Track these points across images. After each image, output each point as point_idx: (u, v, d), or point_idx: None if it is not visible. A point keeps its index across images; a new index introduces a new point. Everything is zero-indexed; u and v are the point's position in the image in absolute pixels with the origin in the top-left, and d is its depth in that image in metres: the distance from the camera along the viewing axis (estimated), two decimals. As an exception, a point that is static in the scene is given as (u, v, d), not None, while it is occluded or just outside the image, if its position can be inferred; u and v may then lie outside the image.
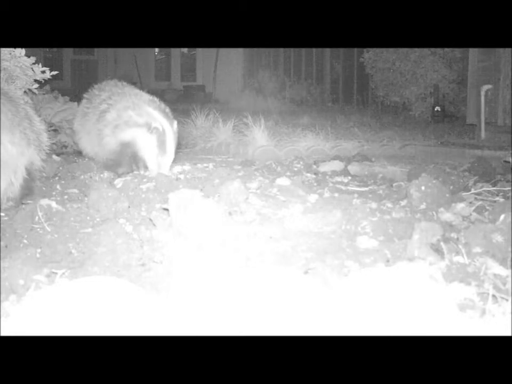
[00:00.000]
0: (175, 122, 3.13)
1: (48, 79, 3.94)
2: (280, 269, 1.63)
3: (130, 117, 2.97)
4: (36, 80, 3.91)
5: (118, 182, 2.76)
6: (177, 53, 19.45)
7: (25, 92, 3.89)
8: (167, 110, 3.19)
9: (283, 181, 2.99)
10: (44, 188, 2.69)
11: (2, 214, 2.21)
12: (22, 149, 2.27)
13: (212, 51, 17.52)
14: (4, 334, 1.15)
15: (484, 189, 2.76)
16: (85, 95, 3.48)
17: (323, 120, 7.61)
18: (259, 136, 4.99)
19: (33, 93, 4.03)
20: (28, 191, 2.38)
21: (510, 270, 1.56)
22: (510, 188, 2.77)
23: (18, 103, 2.40)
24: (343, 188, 3.09)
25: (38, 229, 1.97)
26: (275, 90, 12.78)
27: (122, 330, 1.16)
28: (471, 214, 2.23)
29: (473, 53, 6.37)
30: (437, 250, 1.75)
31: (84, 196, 2.49)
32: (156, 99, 3.20)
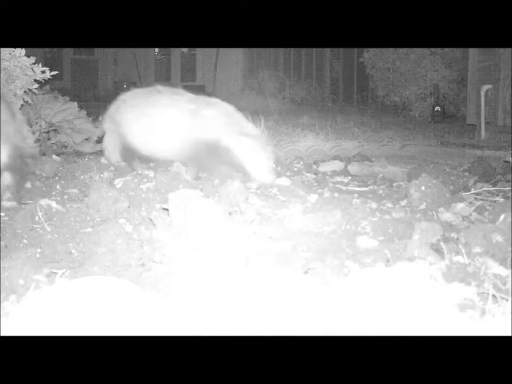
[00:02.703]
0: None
1: (48, 79, 3.93)
2: (280, 269, 1.63)
3: (241, 126, 2.92)
4: (36, 80, 3.90)
5: (118, 182, 2.76)
6: (177, 53, 19.45)
7: (25, 91, 3.89)
8: None
9: (283, 181, 2.99)
10: (43, 188, 2.69)
11: (2, 214, 2.21)
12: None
13: (211, 51, 17.51)
14: (4, 334, 1.15)
15: (484, 189, 2.76)
16: (124, 97, 3.42)
17: (323, 120, 7.61)
18: (259, 136, 4.97)
19: (33, 93, 4.02)
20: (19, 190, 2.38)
21: (510, 270, 1.56)
22: (510, 188, 2.77)
23: (14, 109, 2.41)
24: (343, 188, 3.09)
25: (38, 229, 1.97)
26: (275, 90, 12.77)
27: (122, 330, 1.16)
28: (471, 214, 2.23)
29: (473, 53, 6.38)
30: (437, 250, 1.75)
31: (84, 196, 2.49)
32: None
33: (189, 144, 2.97)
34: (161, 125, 3.11)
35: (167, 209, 1.97)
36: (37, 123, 4.26)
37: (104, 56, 18.52)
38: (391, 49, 9.40)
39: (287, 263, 1.70)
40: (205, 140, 2.92)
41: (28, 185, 2.62)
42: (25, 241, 1.88)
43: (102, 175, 2.94)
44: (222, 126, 2.91)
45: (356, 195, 2.73)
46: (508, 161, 3.70)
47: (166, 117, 3.09)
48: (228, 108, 3.05)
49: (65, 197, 2.55)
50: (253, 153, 2.88)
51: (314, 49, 14.17)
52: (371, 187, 3.10)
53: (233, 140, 2.89)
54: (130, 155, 3.32)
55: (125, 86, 17.32)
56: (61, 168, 3.10)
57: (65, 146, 4.45)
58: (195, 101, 3.08)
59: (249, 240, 1.89)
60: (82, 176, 2.93)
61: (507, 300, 1.37)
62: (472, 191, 2.72)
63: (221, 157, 2.95)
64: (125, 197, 2.26)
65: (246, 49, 17.26)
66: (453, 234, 1.94)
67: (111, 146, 3.48)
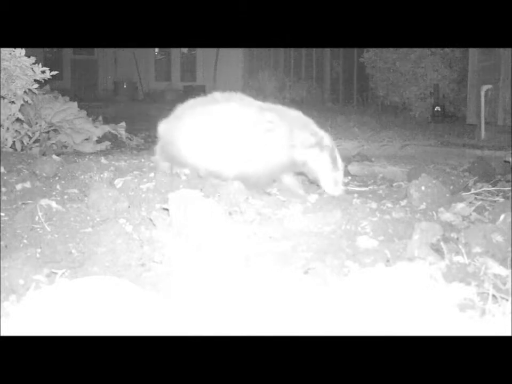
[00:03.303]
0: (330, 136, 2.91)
1: (48, 79, 3.94)
2: (280, 269, 1.63)
3: (305, 137, 2.75)
4: (36, 80, 3.91)
5: (118, 182, 2.76)
6: (177, 53, 19.46)
7: (25, 91, 3.89)
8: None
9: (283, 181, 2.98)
10: (43, 188, 2.68)
11: (2, 214, 2.21)
12: None
13: (211, 51, 17.52)
14: (4, 334, 1.15)
15: (484, 189, 2.76)
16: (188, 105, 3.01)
17: (323, 120, 7.59)
18: (259, 136, 4.96)
19: (33, 93, 4.03)
20: None
21: (510, 270, 1.56)
22: (510, 188, 2.77)
23: None
24: (343, 188, 3.09)
25: (38, 229, 1.97)
26: (275, 90, 12.77)
27: (122, 330, 1.16)
28: (471, 214, 2.23)
29: (473, 53, 6.38)
30: (437, 250, 1.75)
31: (84, 196, 2.49)
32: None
33: (261, 162, 2.77)
34: (225, 139, 2.80)
35: (167, 209, 1.97)
36: (37, 123, 4.27)
37: (104, 56, 18.53)
38: (391, 49, 9.39)
39: (287, 263, 1.70)
40: (280, 157, 2.76)
41: (28, 185, 2.62)
42: (25, 241, 1.88)
43: (102, 175, 2.94)
44: (297, 140, 2.76)
45: (355, 195, 2.73)
46: (508, 161, 3.70)
47: (235, 131, 2.80)
48: (302, 117, 2.89)
49: (65, 197, 2.55)
50: (326, 167, 2.76)
51: (314, 49, 14.18)
52: (371, 187, 3.10)
53: (309, 155, 2.76)
54: (178, 164, 3.01)
55: (125, 86, 17.35)
56: (61, 168, 3.10)
57: (65, 146, 4.45)
58: (265, 112, 2.83)
59: (249, 240, 1.89)
60: (82, 176, 2.93)
61: (507, 300, 1.37)
62: (472, 191, 2.72)
63: (294, 171, 2.84)
64: (125, 197, 2.26)
65: (246, 49, 17.28)
66: (453, 234, 1.94)
67: (161, 153, 3.13)
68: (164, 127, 3.04)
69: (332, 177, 2.76)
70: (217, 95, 2.96)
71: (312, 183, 2.94)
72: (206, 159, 2.86)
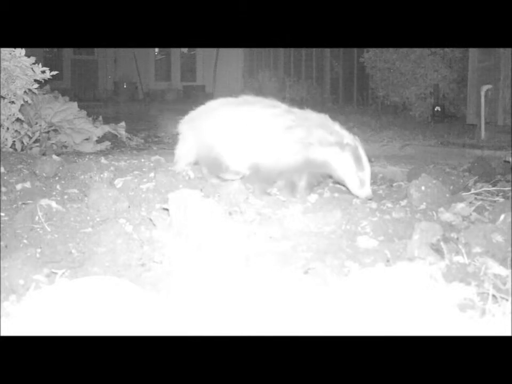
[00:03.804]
0: (357, 137, 2.86)
1: (48, 79, 3.94)
2: (280, 269, 1.63)
3: (323, 135, 2.72)
4: (36, 80, 3.91)
5: (118, 182, 2.76)
6: (177, 53, 19.48)
7: (25, 91, 3.90)
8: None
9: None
10: (43, 188, 2.68)
11: (2, 214, 2.21)
12: None
13: (211, 51, 17.54)
14: (4, 334, 1.15)
15: (484, 189, 2.76)
16: (211, 105, 3.08)
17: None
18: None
19: (33, 93, 4.03)
20: None
21: (510, 270, 1.56)
22: (510, 188, 2.77)
23: None
24: (343, 188, 3.09)
25: (38, 229, 1.97)
26: (275, 90, 12.78)
27: (122, 330, 1.16)
28: (471, 214, 2.23)
29: (473, 53, 6.38)
30: (437, 250, 1.75)
31: (84, 196, 2.49)
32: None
33: (284, 160, 2.77)
34: (253, 140, 2.84)
35: (167, 209, 1.97)
36: (37, 123, 4.27)
37: (104, 56, 18.54)
38: (391, 49, 9.39)
39: (287, 263, 1.70)
40: (302, 156, 2.74)
41: (28, 185, 2.62)
42: (25, 241, 1.88)
43: (102, 175, 2.94)
44: (314, 138, 2.73)
45: (356, 195, 2.73)
46: (508, 161, 3.70)
47: (261, 131, 2.83)
48: (323, 117, 2.87)
49: (65, 197, 2.55)
50: (349, 166, 2.70)
51: (314, 49, 14.19)
52: (371, 187, 3.10)
53: (329, 154, 2.72)
54: (217, 167, 3.04)
55: (125, 86, 17.37)
56: (61, 168, 3.10)
57: (65, 146, 4.46)
58: (290, 114, 2.87)
59: (249, 240, 1.89)
60: (82, 176, 2.93)
61: (507, 300, 1.37)
62: (472, 191, 2.72)
63: (318, 171, 2.82)
64: (125, 197, 2.26)
65: (246, 49, 17.30)
66: (453, 234, 1.94)
67: (185, 154, 3.17)
68: (190, 126, 3.09)
69: (357, 178, 2.69)
70: (247, 97, 3.01)
71: (339, 184, 2.91)
72: (230, 154, 2.91)
